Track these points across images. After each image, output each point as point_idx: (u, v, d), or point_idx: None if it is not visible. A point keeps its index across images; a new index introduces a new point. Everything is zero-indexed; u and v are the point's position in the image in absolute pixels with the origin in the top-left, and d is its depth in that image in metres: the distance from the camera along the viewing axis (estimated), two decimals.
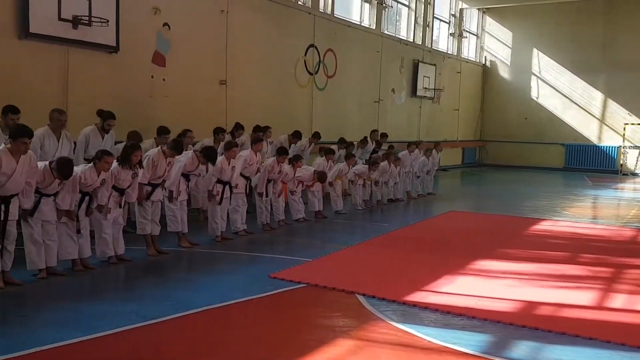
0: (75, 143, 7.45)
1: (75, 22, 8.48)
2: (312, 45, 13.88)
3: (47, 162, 5.66)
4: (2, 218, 5.19)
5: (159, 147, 7.05)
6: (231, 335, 4.41)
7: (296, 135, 11.22)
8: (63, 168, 5.51)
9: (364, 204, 11.12)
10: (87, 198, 5.99)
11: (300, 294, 5.47)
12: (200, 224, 8.26)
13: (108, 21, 8.80)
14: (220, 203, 7.57)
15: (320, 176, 9.32)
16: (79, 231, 5.92)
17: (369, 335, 4.46)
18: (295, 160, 8.99)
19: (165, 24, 10.22)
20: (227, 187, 7.65)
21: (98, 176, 5.92)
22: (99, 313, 4.67)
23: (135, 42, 9.59)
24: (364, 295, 5.36)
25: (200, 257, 6.84)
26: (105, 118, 7.68)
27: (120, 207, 6.41)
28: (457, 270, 6.43)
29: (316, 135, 11.68)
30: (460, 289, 5.71)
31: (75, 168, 5.74)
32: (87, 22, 8.58)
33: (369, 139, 13.22)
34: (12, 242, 5.33)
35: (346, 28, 15.17)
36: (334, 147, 11.48)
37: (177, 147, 6.91)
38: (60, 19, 8.32)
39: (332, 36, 14.50)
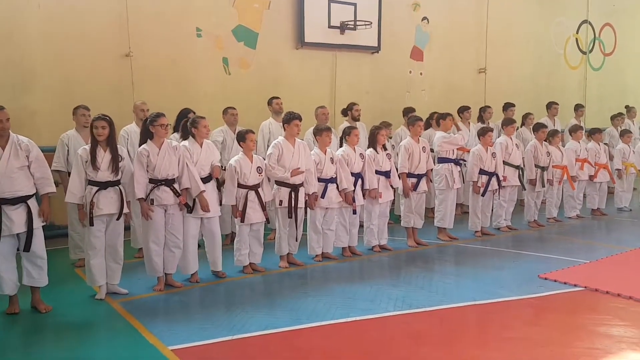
0: None
1: (342, 27, 9.22)
2: (585, 22, 12.65)
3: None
4: (292, 204, 5.71)
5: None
6: (497, 333, 4.16)
7: None
8: None
9: None
10: (360, 181, 6.25)
11: (576, 297, 4.93)
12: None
13: (371, 23, 9.31)
14: (483, 195, 7.22)
15: None
16: (354, 212, 6.20)
17: None
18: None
19: (424, 18, 10.36)
20: (493, 178, 7.21)
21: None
22: (369, 296, 4.91)
23: (394, 40, 9.96)
24: None
25: (462, 252, 6.67)
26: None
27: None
28: None
29: None
30: None
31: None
32: (352, 26, 9.24)
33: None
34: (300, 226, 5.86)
35: None
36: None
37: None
38: (329, 26, 9.16)
39: (609, 9, 13.03)
